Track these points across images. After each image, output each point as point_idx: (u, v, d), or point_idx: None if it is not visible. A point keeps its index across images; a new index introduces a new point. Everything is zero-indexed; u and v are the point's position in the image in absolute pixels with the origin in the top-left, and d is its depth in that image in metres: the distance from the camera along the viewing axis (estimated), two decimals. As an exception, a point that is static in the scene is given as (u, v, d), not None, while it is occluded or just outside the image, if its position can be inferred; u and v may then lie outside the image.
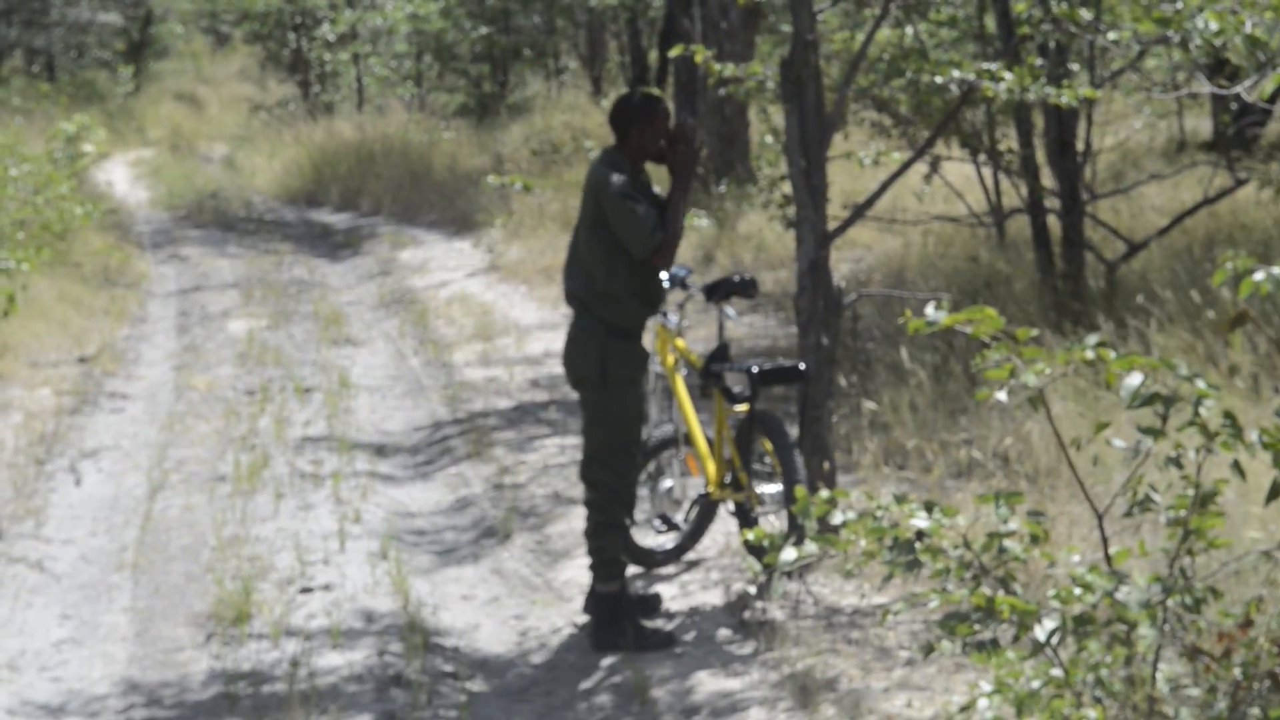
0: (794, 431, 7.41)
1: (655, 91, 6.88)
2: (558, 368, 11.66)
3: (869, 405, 8.71)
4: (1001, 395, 4.17)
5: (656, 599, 6.94)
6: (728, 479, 7.24)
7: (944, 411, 8.78)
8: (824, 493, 4.23)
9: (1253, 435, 4.07)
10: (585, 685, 6.41)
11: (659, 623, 6.84)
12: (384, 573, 7.56)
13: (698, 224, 15.34)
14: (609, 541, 6.68)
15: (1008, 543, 4.13)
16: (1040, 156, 11.39)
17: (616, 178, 6.57)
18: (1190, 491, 4.09)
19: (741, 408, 7.14)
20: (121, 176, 25.81)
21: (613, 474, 6.67)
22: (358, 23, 28.49)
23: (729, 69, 8.62)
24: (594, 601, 6.74)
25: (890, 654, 6.26)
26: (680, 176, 6.66)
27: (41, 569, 7.76)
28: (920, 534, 4.10)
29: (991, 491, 4.24)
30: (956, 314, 4.14)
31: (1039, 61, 8.02)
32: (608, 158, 6.66)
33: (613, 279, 6.62)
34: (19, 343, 12.23)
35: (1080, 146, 11.07)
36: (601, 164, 6.65)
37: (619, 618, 6.67)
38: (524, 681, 6.49)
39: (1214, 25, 7.11)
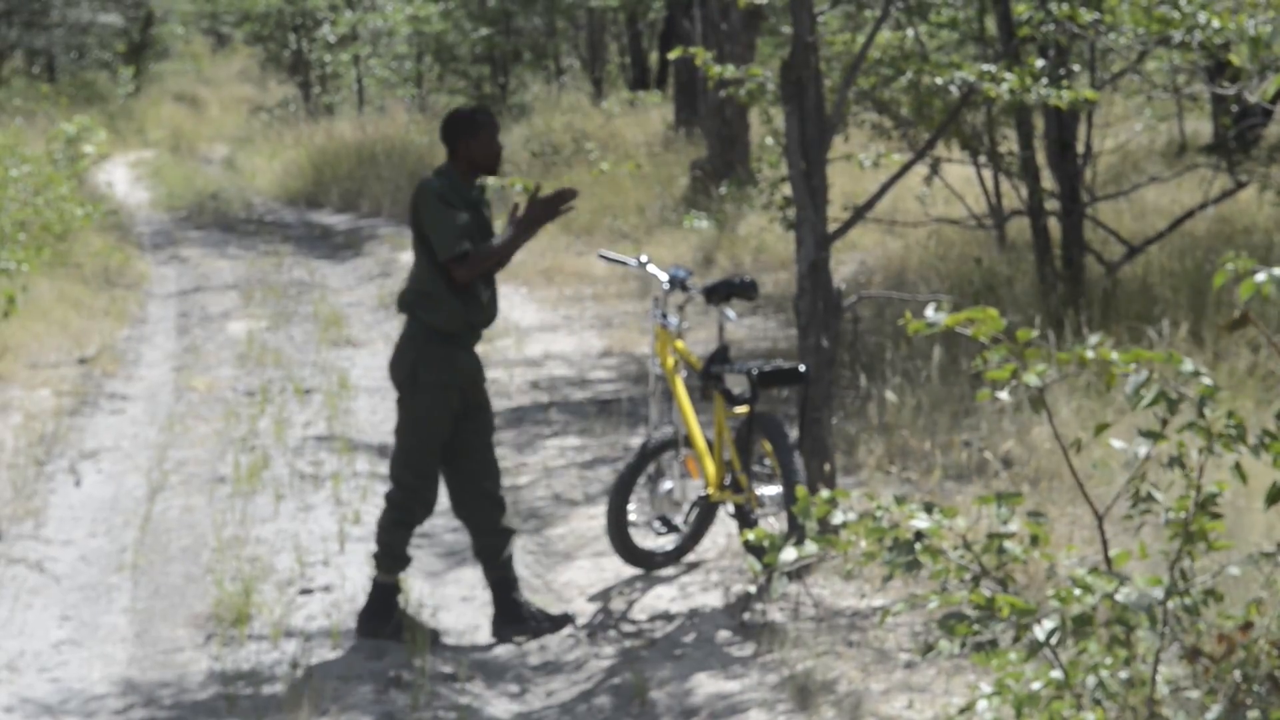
0: (794, 433, 7.41)
1: (480, 105, 6.92)
2: (558, 369, 11.67)
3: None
4: (1003, 395, 4.16)
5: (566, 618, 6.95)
6: (727, 481, 7.24)
7: (947, 414, 8.78)
8: (824, 493, 4.23)
9: (1254, 437, 4.06)
10: (584, 687, 6.41)
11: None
12: (384, 574, 7.54)
13: (697, 225, 15.35)
14: (398, 537, 6.77)
15: (1007, 544, 4.12)
16: (1041, 158, 11.39)
17: (440, 183, 6.63)
18: (1191, 493, 4.08)
19: (741, 409, 7.14)
20: (122, 177, 25.81)
21: (415, 474, 6.73)
22: (358, 24, 28.51)
23: (729, 71, 8.62)
24: (371, 587, 6.84)
25: (890, 656, 6.26)
26: (526, 222, 6.67)
27: (41, 570, 7.75)
28: (920, 535, 4.09)
29: (992, 493, 4.23)
30: (957, 314, 4.14)
31: (1039, 63, 8.02)
32: (438, 170, 6.75)
33: (433, 279, 6.64)
34: (19, 343, 12.22)
35: (1080, 148, 11.07)
36: (431, 175, 6.74)
37: (389, 609, 6.77)
38: (523, 683, 6.49)
39: (1215, 24, 7.12)
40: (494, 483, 6.89)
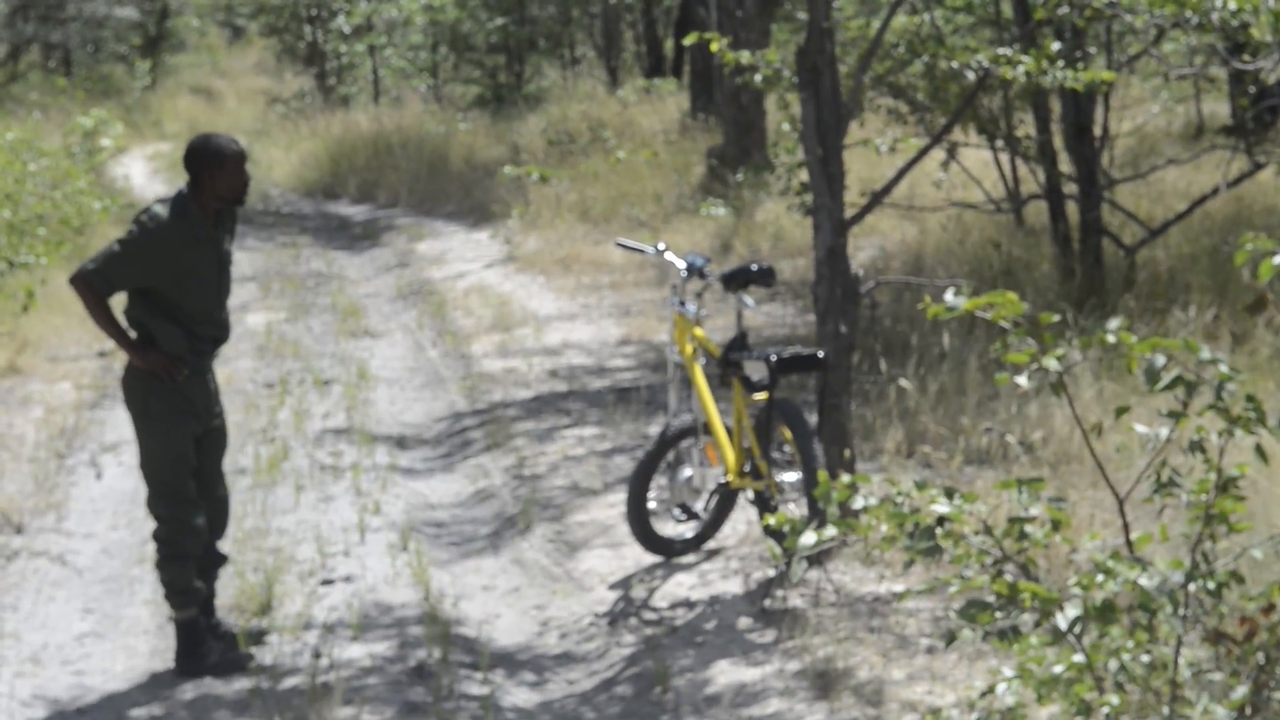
0: (813, 419, 7.40)
1: (229, 135, 6.71)
2: (576, 358, 11.67)
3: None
4: (1022, 380, 4.15)
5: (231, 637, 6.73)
6: (747, 467, 7.23)
7: (968, 399, 8.77)
8: (845, 478, 4.23)
9: (1274, 419, 4.05)
10: (606, 675, 6.42)
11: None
12: (404, 564, 7.56)
13: (715, 213, 15.33)
14: (177, 572, 6.53)
15: (1029, 528, 4.11)
16: (1058, 142, 11.36)
17: (158, 219, 6.37)
18: (1212, 476, 4.07)
19: (760, 396, 7.14)
20: (139, 170, 25.86)
21: (170, 505, 6.51)
22: (373, 14, 28.53)
23: (745, 57, 8.61)
24: (175, 629, 6.59)
25: (911, 642, 6.25)
26: (135, 351, 6.40)
27: (63, 563, 7.78)
28: (941, 520, 4.08)
29: (1013, 478, 4.22)
30: (976, 299, 4.13)
31: (1056, 46, 8.00)
32: (178, 196, 6.48)
33: (139, 305, 6.44)
34: (39, 337, 12.25)
35: (1098, 131, 11.04)
36: (171, 200, 6.46)
37: (199, 643, 6.53)
38: (544, 671, 6.49)
39: (1233, 5, 7.09)
40: (216, 503, 6.72)
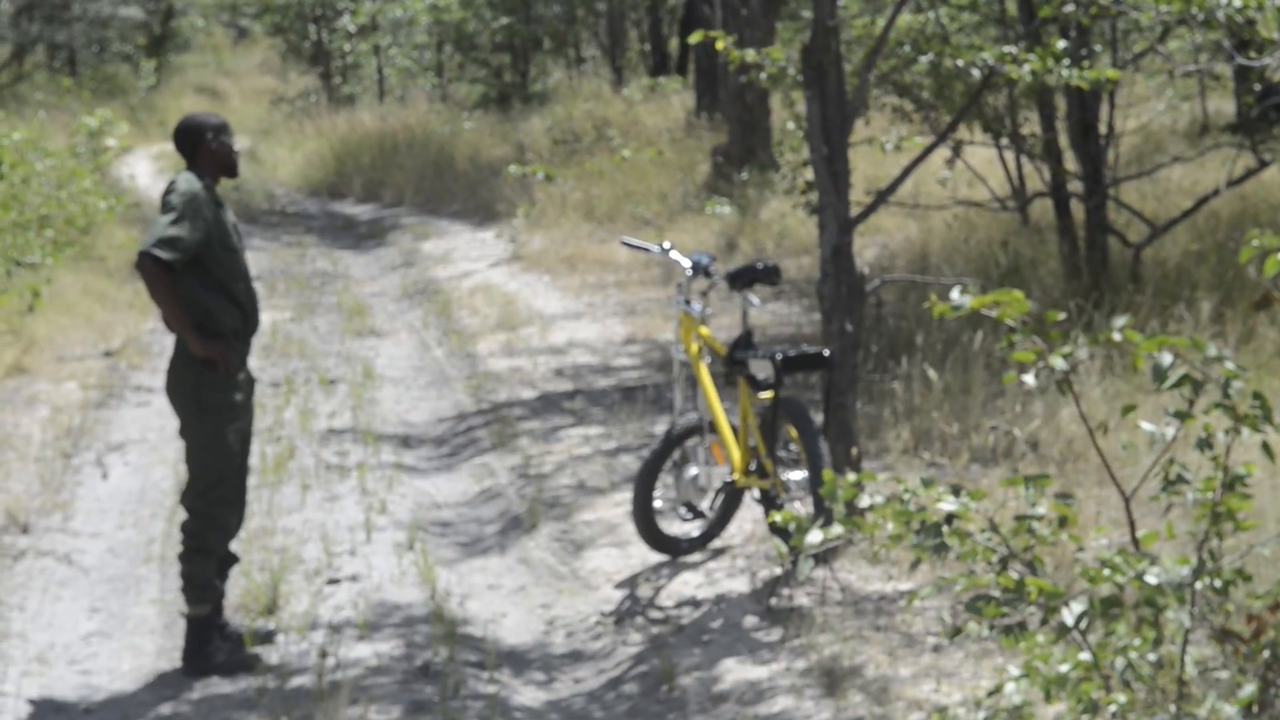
0: (819, 418, 7.40)
1: (210, 111, 6.78)
2: (581, 357, 11.67)
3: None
4: (1028, 379, 4.15)
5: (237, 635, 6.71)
6: (753, 466, 7.23)
7: (974, 397, 8.76)
8: (851, 476, 4.22)
9: (1280, 416, 4.05)
10: (612, 674, 6.42)
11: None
12: (410, 563, 7.57)
13: (720, 211, 15.34)
14: (199, 566, 6.52)
15: (1035, 525, 4.11)
16: (1063, 140, 11.36)
17: (189, 184, 6.43)
18: (1219, 474, 4.07)
19: (766, 395, 7.14)
20: (144, 170, 25.86)
21: (207, 501, 6.52)
22: (378, 14, 28.55)
23: (750, 55, 8.61)
24: (186, 625, 6.58)
25: (917, 640, 6.25)
26: (198, 343, 6.38)
27: (69, 562, 7.78)
28: (948, 517, 4.08)
29: (1019, 475, 4.22)
30: (982, 297, 4.13)
31: (1061, 44, 7.99)
32: (184, 173, 6.52)
33: (196, 286, 6.45)
34: (44, 337, 12.26)
35: (1103, 129, 11.03)
36: (179, 176, 6.51)
37: (208, 642, 6.53)
38: (550, 670, 6.49)
39: (1238, 2, 7.09)
40: (243, 497, 6.72)
